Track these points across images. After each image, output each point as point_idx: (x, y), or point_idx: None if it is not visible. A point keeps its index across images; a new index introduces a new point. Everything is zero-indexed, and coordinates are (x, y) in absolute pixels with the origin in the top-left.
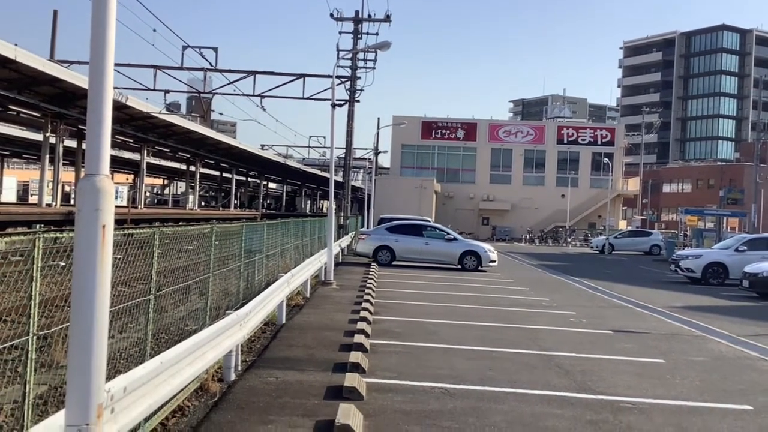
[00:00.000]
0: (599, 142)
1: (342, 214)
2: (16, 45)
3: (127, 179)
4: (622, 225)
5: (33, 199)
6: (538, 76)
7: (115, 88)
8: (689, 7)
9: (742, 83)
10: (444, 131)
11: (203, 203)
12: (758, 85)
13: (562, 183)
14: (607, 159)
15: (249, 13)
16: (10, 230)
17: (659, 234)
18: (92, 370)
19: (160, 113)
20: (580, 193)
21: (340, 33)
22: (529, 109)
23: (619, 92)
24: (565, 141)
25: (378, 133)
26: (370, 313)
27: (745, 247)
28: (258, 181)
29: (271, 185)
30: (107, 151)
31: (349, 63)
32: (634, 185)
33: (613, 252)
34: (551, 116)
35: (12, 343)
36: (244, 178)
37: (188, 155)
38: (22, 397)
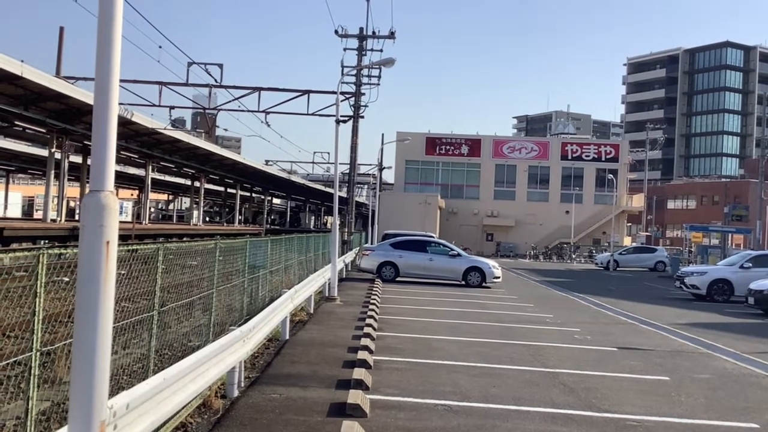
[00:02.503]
0: (603, 159)
1: (346, 230)
2: (22, 61)
3: (132, 194)
4: (627, 241)
5: (38, 215)
6: (542, 92)
7: (120, 104)
8: (693, 24)
9: (746, 100)
10: (448, 147)
11: (208, 219)
12: (762, 102)
13: (567, 199)
14: (611, 175)
15: (254, 30)
16: (14, 246)
17: (664, 250)
18: (95, 386)
19: (165, 129)
20: (584, 209)
21: (345, 49)
22: (533, 126)
23: (623, 108)
24: (569, 157)
25: (382, 149)
26: (374, 329)
27: (750, 264)
28: (262, 197)
29: (276, 201)
30: (112, 168)
31: (353, 79)
32: (638, 201)
33: (617, 268)
34: (555, 132)
35: (15, 359)
36: (248, 194)
37: (193, 171)
38: (24, 414)
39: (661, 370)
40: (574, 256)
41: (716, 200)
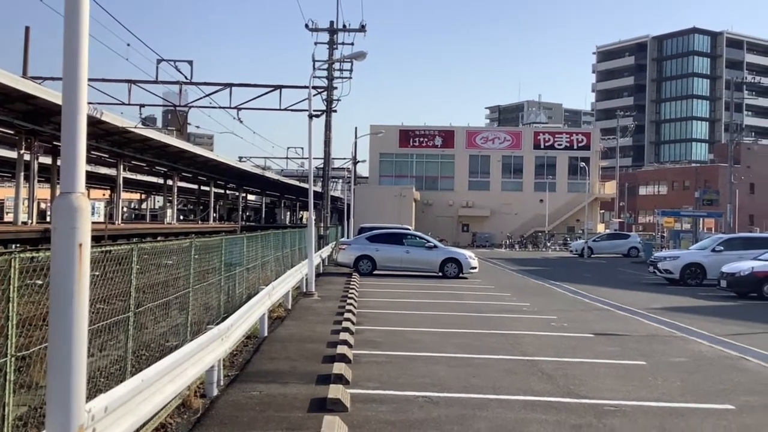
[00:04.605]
0: (575, 147)
1: (322, 225)
2: None
3: (104, 195)
4: (600, 228)
5: (8, 218)
6: (513, 82)
7: (89, 103)
8: (660, 12)
9: (714, 85)
10: (421, 139)
11: (182, 217)
12: (730, 87)
13: (540, 188)
14: (583, 163)
15: (224, 26)
16: None
17: (637, 236)
18: (72, 390)
19: (135, 128)
20: (558, 197)
21: (316, 44)
22: (506, 116)
23: (594, 97)
24: (542, 146)
25: (356, 143)
26: (353, 323)
27: (722, 248)
28: (237, 194)
29: (250, 197)
30: (83, 169)
31: (325, 73)
32: (610, 188)
33: (592, 255)
34: (527, 122)
35: None
36: (222, 191)
37: (165, 169)
38: (0, 419)
39: (637, 355)
40: (549, 244)
41: (687, 185)
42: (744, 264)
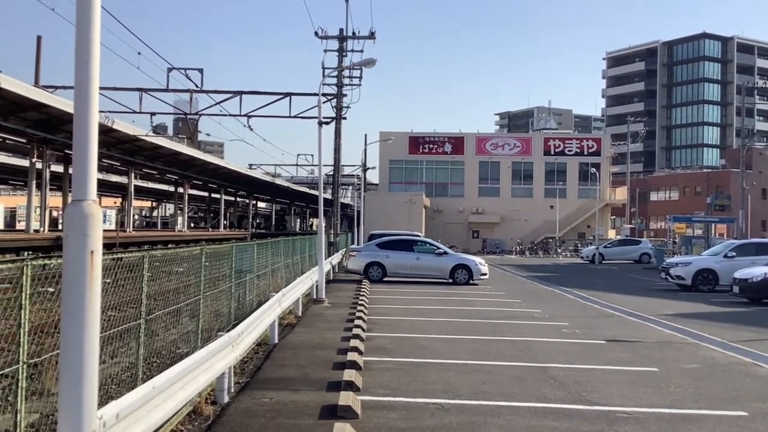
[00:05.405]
0: (586, 153)
1: (332, 232)
2: (0, 71)
3: (115, 202)
4: (611, 234)
5: (21, 225)
6: (523, 88)
7: (100, 111)
8: (670, 17)
9: (725, 90)
10: (431, 146)
11: (192, 224)
12: (741, 92)
13: (551, 194)
14: (594, 169)
15: (234, 33)
16: None
17: (648, 242)
18: (83, 396)
19: (146, 136)
20: (568, 203)
21: (325, 51)
22: (515, 122)
23: (604, 102)
24: (552, 152)
25: (366, 150)
26: (363, 330)
27: (734, 253)
28: (247, 201)
29: (260, 204)
30: (94, 176)
31: (335, 81)
32: (621, 194)
33: (603, 261)
34: (537, 128)
35: (2, 372)
36: (232, 198)
37: (176, 177)
38: (13, 427)
39: (649, 362)
40: (559, 250)
41: (698, 191)
42: (757, 270)
